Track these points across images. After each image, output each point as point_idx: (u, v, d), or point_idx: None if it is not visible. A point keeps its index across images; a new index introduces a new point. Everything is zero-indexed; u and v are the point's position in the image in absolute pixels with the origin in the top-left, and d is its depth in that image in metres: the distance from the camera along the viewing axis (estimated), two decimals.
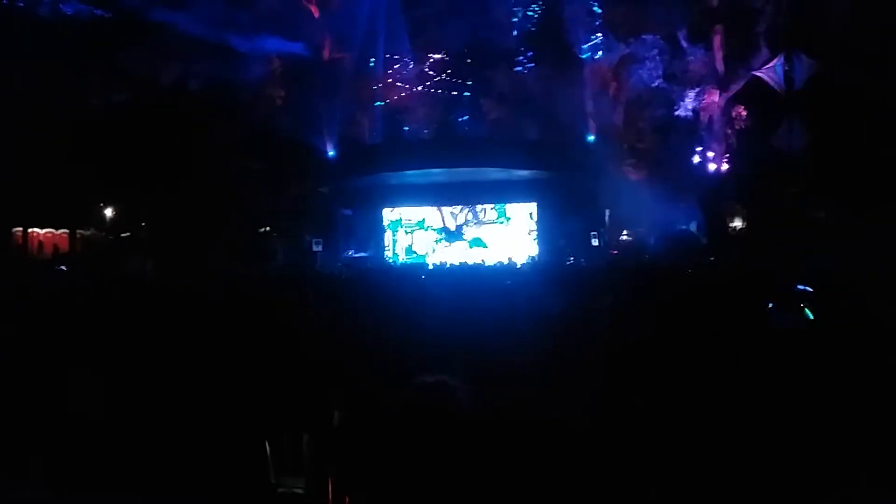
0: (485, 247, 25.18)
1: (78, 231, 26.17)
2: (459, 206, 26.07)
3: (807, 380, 3.00)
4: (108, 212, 25.80)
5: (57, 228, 26.02)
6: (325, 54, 25.11)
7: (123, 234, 26.26)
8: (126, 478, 2.42)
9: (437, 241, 26.13)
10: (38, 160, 20.15)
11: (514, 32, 26.01)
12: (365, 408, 2.62)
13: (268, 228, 26.35)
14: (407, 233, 26.57)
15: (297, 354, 3.47)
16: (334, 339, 4.31)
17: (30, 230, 24.93)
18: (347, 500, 2.20)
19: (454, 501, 1.96)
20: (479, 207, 26.10)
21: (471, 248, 25.34)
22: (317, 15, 25.00)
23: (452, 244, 25.86)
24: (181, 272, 13.72)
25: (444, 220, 26.26)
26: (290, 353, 3.42)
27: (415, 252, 25.95)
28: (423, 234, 26.34)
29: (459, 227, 26.13)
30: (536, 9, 25.75)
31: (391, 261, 24.77)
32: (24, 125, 19.99)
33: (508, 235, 25.59)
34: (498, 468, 2.18)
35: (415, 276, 12.85)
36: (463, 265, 17.18)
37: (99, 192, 24.46)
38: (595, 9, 23.36)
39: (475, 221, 26.15)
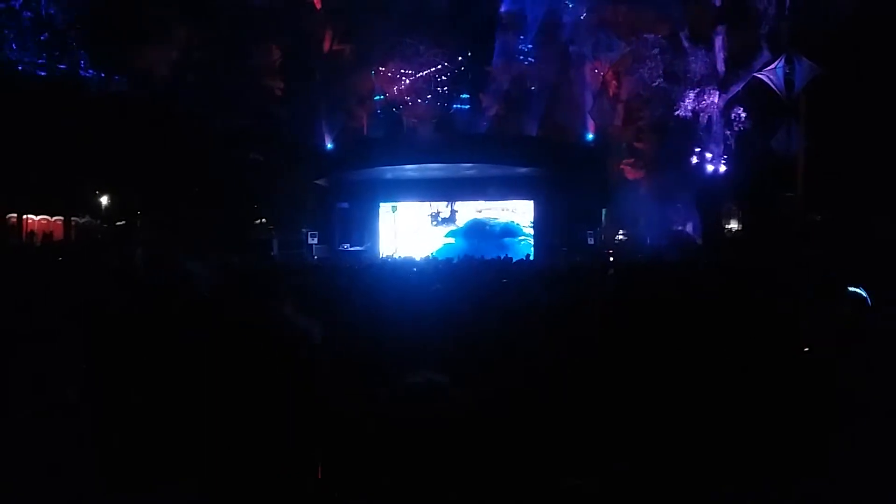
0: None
1: (72, 218, 26.06)
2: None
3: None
4: (104, 200, 25.67)
5: (51, 216, 25.90)
6: (325, 47, 25.02)
7: (118, 223, 26.16)
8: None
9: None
10: (34, 146, 20.04)
11: (516, 28, 25.93)
12: (353, 407, 2.56)
13: (263, 220, 26.30)
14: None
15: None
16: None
17: (24, 217, 24.81)
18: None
19: (447, 500, 1.92)
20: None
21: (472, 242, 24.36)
22: (318, 6, 24.95)
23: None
24: (170, 263, 13.58)
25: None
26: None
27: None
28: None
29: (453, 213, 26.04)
30: (538, 5, 25.63)
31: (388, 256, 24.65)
32: (21, 111, 19.86)
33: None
34: (489, 464, 2.14)
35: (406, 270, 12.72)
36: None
37: (94, 179, 24.34)
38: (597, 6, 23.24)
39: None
